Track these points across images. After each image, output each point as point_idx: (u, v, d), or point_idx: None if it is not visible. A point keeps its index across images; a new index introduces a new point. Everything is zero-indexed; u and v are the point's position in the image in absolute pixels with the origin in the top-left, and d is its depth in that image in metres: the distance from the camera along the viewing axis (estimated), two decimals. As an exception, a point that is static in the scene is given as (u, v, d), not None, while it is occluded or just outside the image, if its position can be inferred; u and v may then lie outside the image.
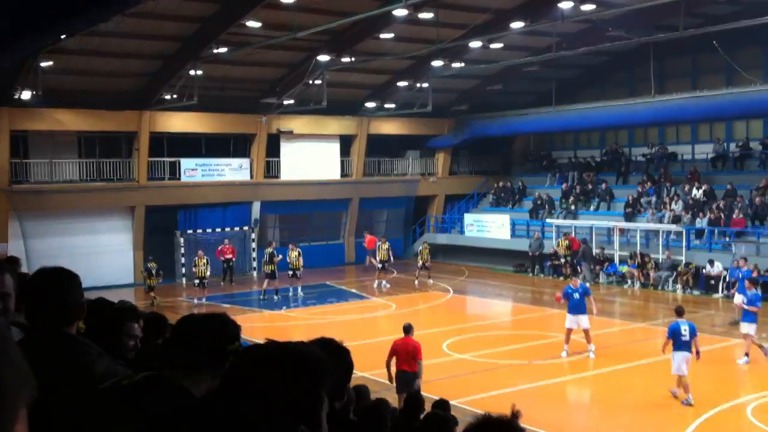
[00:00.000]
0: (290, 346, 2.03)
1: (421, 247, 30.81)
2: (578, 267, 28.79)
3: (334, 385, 2.17)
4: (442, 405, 8.58)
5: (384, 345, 18.42)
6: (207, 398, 2.19)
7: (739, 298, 20.86)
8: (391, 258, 29.91)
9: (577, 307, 17.87)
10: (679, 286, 26.59)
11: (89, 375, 2.73)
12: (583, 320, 17.89)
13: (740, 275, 22.47)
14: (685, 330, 14.33)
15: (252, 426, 1.90)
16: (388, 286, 28.86)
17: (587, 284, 20.76)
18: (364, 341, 18.13)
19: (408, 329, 13.37)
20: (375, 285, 28.75)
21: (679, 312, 14.96)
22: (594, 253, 29.63)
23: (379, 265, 29.35)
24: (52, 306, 3.03)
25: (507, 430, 2.56)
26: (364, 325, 23.16)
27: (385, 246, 29.67)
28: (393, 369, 13.22)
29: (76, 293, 3.16)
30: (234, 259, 30.43)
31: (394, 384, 13.21)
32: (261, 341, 2.15)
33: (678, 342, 14.28)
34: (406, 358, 13.09)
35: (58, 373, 2.71)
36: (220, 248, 29.96)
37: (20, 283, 3.44)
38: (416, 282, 29.58)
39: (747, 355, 16.99)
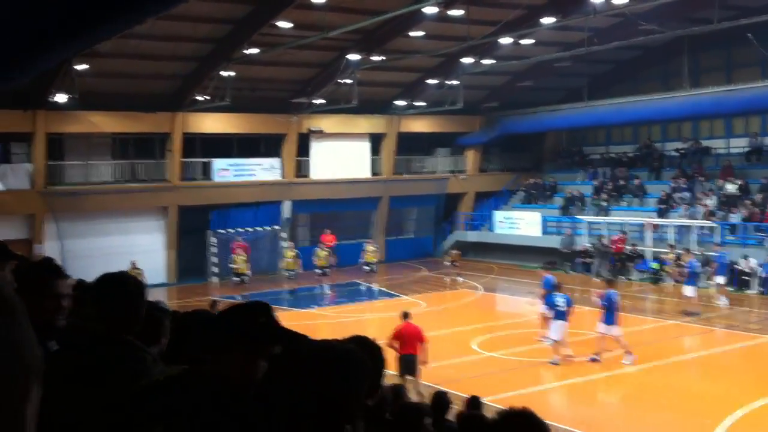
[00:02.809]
0: (333, 345, 2.04)
1: (454, 252, 30.98)
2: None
3: (369, 382, 2.18)
4: (473, 402, 8.60)
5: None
6: (248, 395, 2.22)
7: (689, 291, 21.95)
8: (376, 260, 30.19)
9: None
10: (712, 282, 26.25)
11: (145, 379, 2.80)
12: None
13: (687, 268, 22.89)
14: (560, 301, 16.78)
15: (297, 425, 1.92)
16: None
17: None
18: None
19: (407, 315, 14.51)
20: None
21: (557, 286, 17.46)
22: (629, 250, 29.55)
23: (366, 268, 29.56)
24: (118, 313, 3.07)
25: (528, 422, 2.59)
26: (393, 323, 23.19)
27: (372, 248, 29.90)
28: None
29: (141, 301, 3.20)
30: (247, 256, 30.88)
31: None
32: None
33: (556, 313, 16.70)
34: (411, 341, 13.91)
35: (117, 378, 2.79)
36: (233, 245, 30.33)
37: (84, 288, 3.45)
38: (447, 279, 29.72)
39: (629, 353, 16.71)
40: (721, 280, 23.93)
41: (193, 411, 2.22)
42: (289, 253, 27.64)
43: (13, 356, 1.05)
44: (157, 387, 2.35)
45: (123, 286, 3.18)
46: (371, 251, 29.78)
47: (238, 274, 26.45)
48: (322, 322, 23.49)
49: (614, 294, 17.04)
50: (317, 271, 27.77)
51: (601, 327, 16.88)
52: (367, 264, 29.53)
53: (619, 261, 29.44)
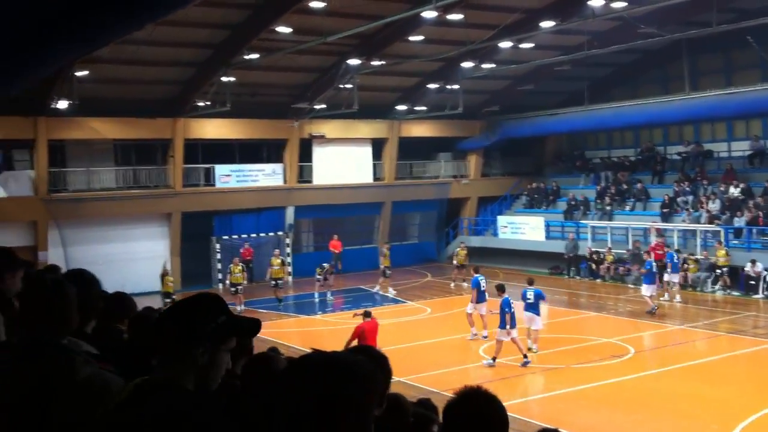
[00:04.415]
0: (341, 357, 1.98)
1: (458, 249, 30.72)
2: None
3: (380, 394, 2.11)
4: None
5: (420, 349, 18.43)
6: (252, 407, 2.16)
7: (646, 290, 22.75)
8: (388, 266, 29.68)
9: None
10: (718, 286, 26.20)
11: (70, 381, 2.75)
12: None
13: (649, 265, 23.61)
14: (530, 295, 18.32)
15: None
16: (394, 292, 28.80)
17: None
18: (399, 346, 18.10)
19: (368, 313, 15.48)
20: (383, 291, 28.78)
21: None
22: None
23: (389, 272, 29.07)
24: (44, 314, 2.98)
25: (487, 401, 2.50)
26: (399, 330, 23.12)
27: (387, 252, 29.69)
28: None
29: (70, 301, 3.08)
30: (252, 261, 30.86)
31: None
32: (307, 350, 2.11)
33: (525, 305, 18.27)
34: (373, 336, 14.77)
35: (41, 380, 2.74)
36: (241, 251, 30.39)
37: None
38: (452, 284, 29.57)
39: (526, 356, 17.24)
40: (675, 278, 24.88)
41: (160, 425, 2.15)
42: (275, 261, 27.35)
43: None
44: (124, 406, 2.26)
45: (39, 283, 3.09)
46: (387, 255, 29.64)
47: (233, 284, 26.30)
48: (325, 328, 23.40)
49: (508, 300, 17.48)
50: (318, 278, 27.63)
51: (497, 332, 17.54)
52: (388, 268, 29.31)
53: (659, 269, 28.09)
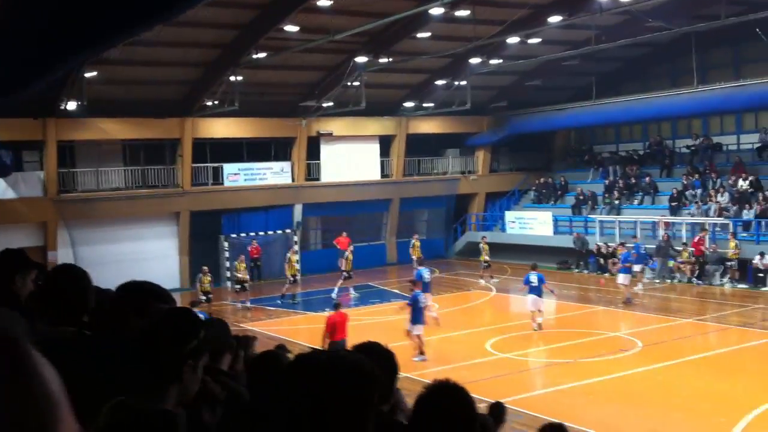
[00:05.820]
0: (340, 356, 2.02)
1: (481, 244, 30.55)
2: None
3: (381, 389, 2.15)
4: (497, 408, 8.35)
5: (427, 344, 18.49)
6: (250, 408, 2.23)
7: (621, 278, 24.02)
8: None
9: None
10: (727, 279, 26.17)
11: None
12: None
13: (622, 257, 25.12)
14: (533, 279, 19.84)
15: None
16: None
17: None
18: (407, 342, 18.13)
19: (339, 305, 16.48)
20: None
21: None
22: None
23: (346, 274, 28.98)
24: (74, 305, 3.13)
25: (456, 394, 2.54)
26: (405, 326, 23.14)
27: (418, 243, 29.62)
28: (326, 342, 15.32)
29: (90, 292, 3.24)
30: (260, 258, 31.18)
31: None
32: (308, 349, 2.17)
33: (530, 288, 19.84)
34: (343, 327, 15.59)
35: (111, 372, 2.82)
36: (249, 249, 30.59)
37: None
38: (486, 281, 29.20)
39: (423, 353, 17.46)
40: (637, 268, 26.03)
41: None
42: (294, 257, 27.51)
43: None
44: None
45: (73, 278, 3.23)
46: (417, 246, 29.71)
47: (239, 282, 26.40)
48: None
49: (419, 294, 17.94)
50: (344, 274, 27.69)
51: (408, 325, 17.76)
52: (420, 260, 29.30)
53: (698, 263, 27.14)
